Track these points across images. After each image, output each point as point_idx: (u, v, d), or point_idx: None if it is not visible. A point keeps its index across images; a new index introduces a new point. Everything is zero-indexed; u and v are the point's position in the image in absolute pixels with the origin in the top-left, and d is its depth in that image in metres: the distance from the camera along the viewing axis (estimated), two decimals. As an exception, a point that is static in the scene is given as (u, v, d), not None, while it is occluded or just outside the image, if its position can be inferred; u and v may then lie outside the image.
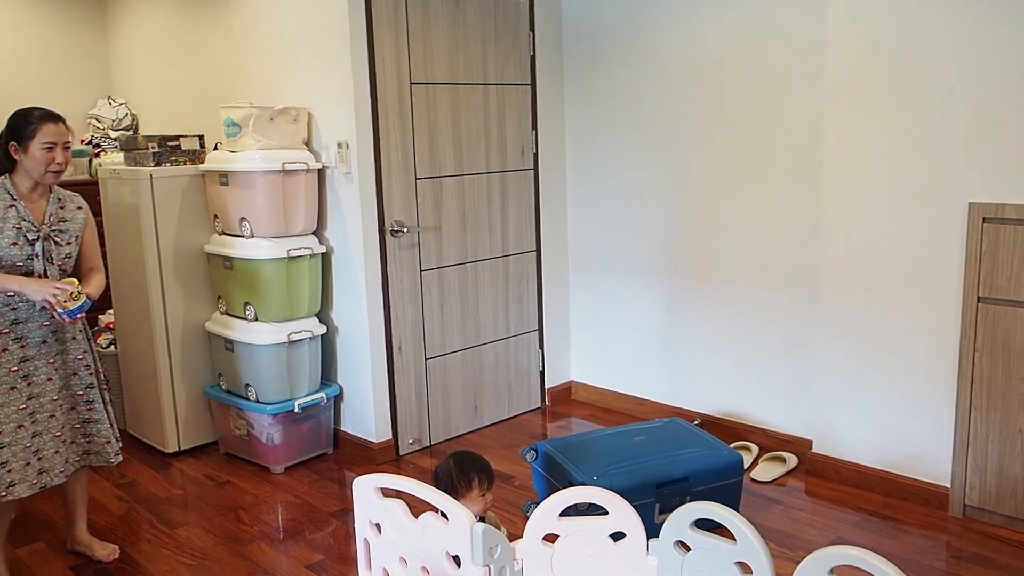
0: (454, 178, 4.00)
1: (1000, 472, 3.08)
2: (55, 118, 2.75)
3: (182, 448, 4.01)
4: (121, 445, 3.04)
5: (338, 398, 3.98)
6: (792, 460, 3.66)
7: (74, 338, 2.87)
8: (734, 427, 3.94)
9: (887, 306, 3.30)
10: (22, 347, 2.74)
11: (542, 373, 4.59)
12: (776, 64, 3.59)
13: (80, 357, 2.89)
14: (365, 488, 2.13)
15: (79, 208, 2.90)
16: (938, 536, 3.07)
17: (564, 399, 4.67)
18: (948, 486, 3.22)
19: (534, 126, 4.32)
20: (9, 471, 2.71)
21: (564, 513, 1.99)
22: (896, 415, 3.33)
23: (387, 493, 2.13)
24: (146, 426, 4.09)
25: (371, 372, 3.81)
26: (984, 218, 3.01)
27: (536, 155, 4.35)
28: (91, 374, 2.92)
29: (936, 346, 3.19)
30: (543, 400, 4.61)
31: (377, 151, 3.68)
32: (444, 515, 1.97)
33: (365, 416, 3.89)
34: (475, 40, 3.99)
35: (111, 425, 2.98)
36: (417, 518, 2.03)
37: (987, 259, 3.02)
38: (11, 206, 2.70)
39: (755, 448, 3.77)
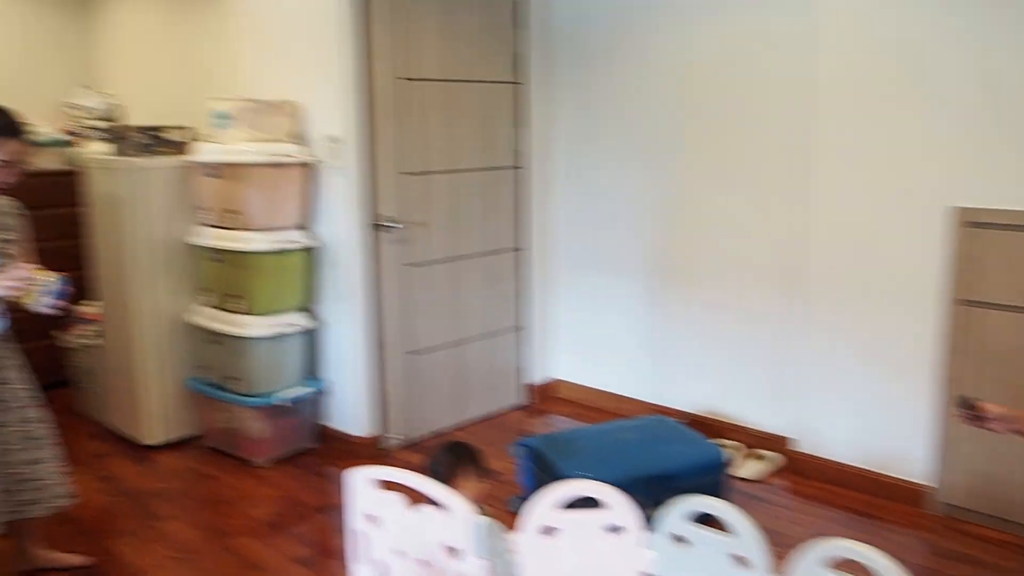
0: (444, 175, 4.00)
1: (980, 471, 3.14)
2: (19, 133, 2.47)
3: (164, 441, 3.97)
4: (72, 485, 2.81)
5: (324, 392, 3.97)
6: (774, 458, 3.70)
7: (16, 366, 2.64)
8: (718, 426, 3.97)
9: (871, 307, 3.35)
10: None
11: (526, 370, 4.60)
12: (764, 68, 3.63)
13: (24, 387, 2.65)
14: (360, 480, 2.13)
15: (20, 214, 2.65)
16: (919, 534, 3.13)
17: (548, 396, 4.69)
18: (930, 485, 3.28)
19: (524, 124, 4.33)
20: None
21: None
22: (878, 414, 3.39)
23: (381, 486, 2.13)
24: (128, 419, 4.04)
25: (357, 366, 3.80)
26: (966, 222, 3.07)
27: (525, 153, 4.37)
28: (38, 407, 2.69)
29: (918, 347, 3.25)
30: (527, 397, 4.62)
31: (368, 146, 3.68)
32: (443, 507, 1.98)
33: (351, 411, 3.88)
34: (466, 38, 4.00)
35: (58, 462, 2.74)
36: (415, 510, 2.04)
37: (967, 263, 3.08)
38: None
39: (739, 446, 3.81)
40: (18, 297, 2.39)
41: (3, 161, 2.45)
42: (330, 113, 3.65)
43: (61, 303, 2.43)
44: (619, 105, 4.16)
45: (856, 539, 1.66)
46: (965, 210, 3.07)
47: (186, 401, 4.01)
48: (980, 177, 3.03)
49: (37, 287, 2.39)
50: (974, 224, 3.05)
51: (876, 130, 3.25)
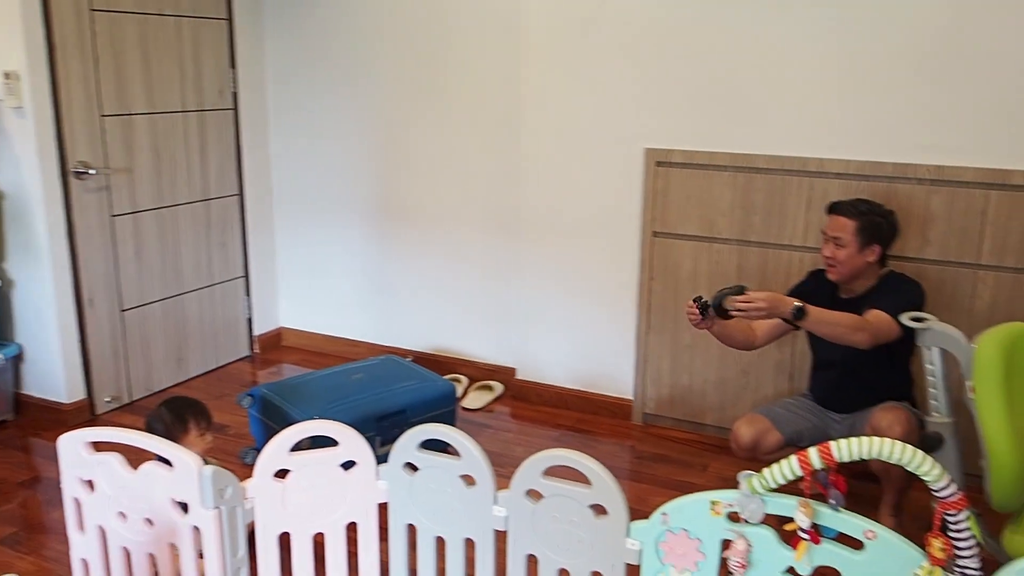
0: (146, 116, 3.71)
1: (672, 383, 3.56)
2: None
3: None
4: None
5: (17, 358, 3.59)
6: (498, 388, 3.94)
7: None
8: (445, 361, 4.13)
9: (579, 242, 3.64)
10: None
11: (250, 320, 4.46)
12: (479, 20, 3.73)
13: None
14: (72, 444, 1.99)
15: None
16: (624, 442, 3.50)
17: (274, 346, 4.59)
18: (631, 398, 3.66)
19: (233, 64, 4.12)
20: None
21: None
22: (588, 339, 3.71)
23: (99, 448, 2.01)
24: None
25: (57, 328, 3.48)
26: (657, 162, 3.41)
27: (236, 95, 4.16)
28: None
29: (620, 277, 3.58)
30: (252, 348, 4.50)
31: (54, 83, 3.31)
32: (167, 462, 1.90)
33: (52, 376, 3.55)
34: (164, -34, 3.71)
35: None
36: (136, 469, 1.94)
37: (660, 198, 3.44)
38: None
39: (465, 379, 4.00)
40: None
41: None
42: (3, 45, 3.23)
43: None
44: (334, 49, 4.08)
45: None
46: (654, 151, 3.41)
47: None
48: (668, 122, 3.37)
49: None
50: (661, 163, 3.40)
51: (579, 78, 3.48)
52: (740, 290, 2.56)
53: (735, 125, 3.27)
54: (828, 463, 1.48)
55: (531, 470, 1.84)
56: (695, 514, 1.65)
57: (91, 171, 3.47)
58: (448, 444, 1.96)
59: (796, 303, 2.53)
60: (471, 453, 1.90)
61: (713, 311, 2.63)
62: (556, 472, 1.83)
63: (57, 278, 3.44)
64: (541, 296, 3.76)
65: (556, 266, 3.70)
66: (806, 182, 3.18)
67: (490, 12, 3.70)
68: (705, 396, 3.51)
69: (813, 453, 1.48)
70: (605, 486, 1.76)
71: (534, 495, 1.85)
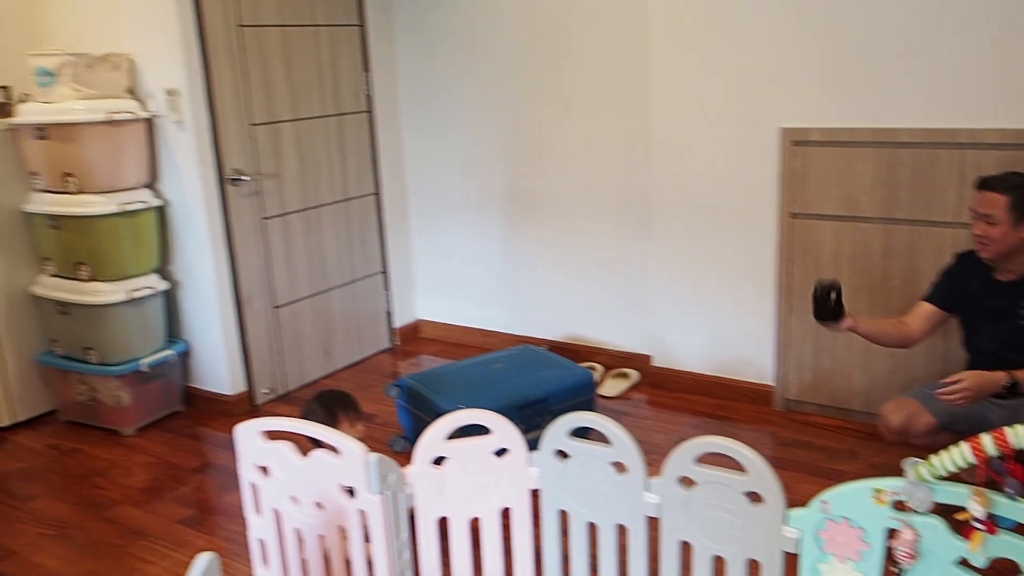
0: (291, 123, 3.92)
1: (814, 367, 3.48)
2: None
3: (11, 423, 3.76)
4: None
5: (186, 354, 3.87)
6: (635, 375, 3.95)
7: None
8: (579, 349, 4.17)
9: (712, 226, 3.60)
10: None
11: (389, 314, 4.64)
12: (603, 3, 3.74)
13: None
14: (248, 433, 2.15)
15: None
16: (765, 428, 3.45)
17: (413, 337, 4.76)
18: (772, 384, 3.60)
19: (366, 68, 4.28)
20: None
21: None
22: (724, 325, 3.67)
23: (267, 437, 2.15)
24: (-29, 402, 3.80)
25: (220, 325, 3.73)
26: (793, 141, 3.33)
27: (370, 97, 4.33)
28: None
29: (756, 259, 3.52)
30: (392, 340, 4.67)
31: (210, 98, 3.55)
32: (333, 449, 2.02)
33: (217, 370, 3.81)
34: (302, -21, 3.89)
35: None
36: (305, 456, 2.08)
37: (797, 178, 3.36)
38: None
39: (600, 367, 4.03)
40: None
41: None
42: (166, 65, 3.48)
43: None
44: (459, 44, 4.18)
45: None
46: (790, 130, 3.33)
47: (34, 378, 3.80)
48: (805, 100, 3.28)
49: None
50: (798, 143, 3.32)
51: (709, 59, 3.44)
52: (834, 283, 2.59)
53: (875, 98, 3.15)
54: (1003, 450, 1.43)
55: (683, 457, 1.86)
56: (857, 502, 1.63)
57: (244, 177, 3.70)
58: (589, 431, 2.00)
59: (1005, 379, 2.49)
60: (622, 440, 1.94)
61: (821, 316, 2.62)
62: (703, 459, 1.84)
63: (219, 279, 3.68)
64: (674, 281, 3.75)
65: (689, 250, 3.68)
66: (956, 154, 3.04)
67: None
68: (851, 380, 3.41)
69: (987, 440, 1.44)
70: (760, 473, 1.75)
71: (686, 482, 1.87)
